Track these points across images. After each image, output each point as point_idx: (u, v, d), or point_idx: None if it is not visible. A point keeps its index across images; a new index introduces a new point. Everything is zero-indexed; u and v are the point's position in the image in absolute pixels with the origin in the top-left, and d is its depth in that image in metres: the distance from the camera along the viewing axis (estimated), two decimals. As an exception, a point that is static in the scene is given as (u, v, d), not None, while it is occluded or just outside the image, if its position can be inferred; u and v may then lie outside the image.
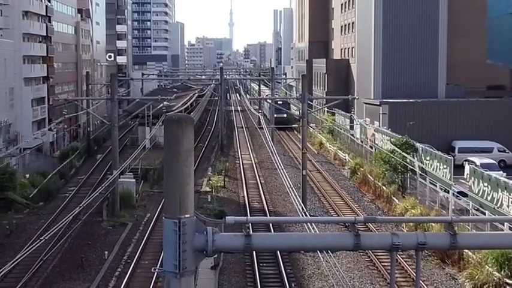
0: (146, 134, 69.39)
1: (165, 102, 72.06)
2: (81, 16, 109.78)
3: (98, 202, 47.42)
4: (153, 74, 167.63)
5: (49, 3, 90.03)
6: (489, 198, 39.29)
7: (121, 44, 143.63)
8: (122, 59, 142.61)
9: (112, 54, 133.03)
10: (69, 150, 75.62)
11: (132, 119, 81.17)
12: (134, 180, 55.23)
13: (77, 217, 42.75)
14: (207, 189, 58.30)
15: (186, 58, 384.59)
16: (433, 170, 48.79)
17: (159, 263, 36.34)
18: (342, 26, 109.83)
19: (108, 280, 36.60)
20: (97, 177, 63.19)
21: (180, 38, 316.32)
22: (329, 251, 30.89)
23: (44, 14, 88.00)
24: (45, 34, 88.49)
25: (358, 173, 61.54)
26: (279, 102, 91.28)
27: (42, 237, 26.50)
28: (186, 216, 9.81)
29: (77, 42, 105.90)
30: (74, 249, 41.97)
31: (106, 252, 40.78)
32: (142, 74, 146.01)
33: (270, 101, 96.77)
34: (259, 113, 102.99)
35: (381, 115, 74.46)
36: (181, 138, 9.78)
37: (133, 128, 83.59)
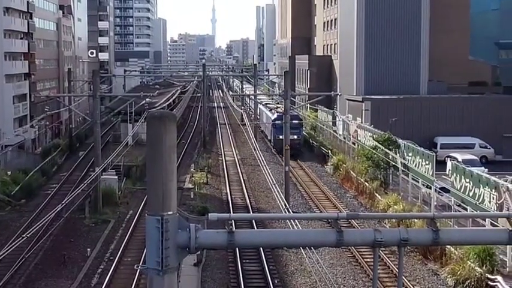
0: (129, 131, 69.15)
1: (147, 99, 71.91)
2: (63, 12, 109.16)
3: (80, 199, 47.23)
4: (135, 71, 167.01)
5: (30, 0, 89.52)
6: (471, 194, 39.46)
7: (103, 40, 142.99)
8: (103, 56, 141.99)
9: (94, 51, 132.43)
10: (51, 147, 75.24)
11: (115, 115, 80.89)
12: (117, 177, 55.04)
13: (59, 214, 42.50)
14: (190, 185, 58.22)
15: (169, 55, 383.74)
16: (415, 166, 48.95)
17: (142, 260, 36.24)
18: (324, 23, 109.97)
19: (90, 277, 36.49)
20: (79, 174, 62.94)
21: (163, 34, 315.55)
22: (312, 247, 30.95)
23: (26, 10, 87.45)
24: (26, 31, 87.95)
25: (341, 170, 61.65)
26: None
27: (24, 235, 26.43)
28: (169, 213, 9.79)
29: (58, 39, 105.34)
30: (56, 246, 41.79)
31: (88, 250, 40.65)
32: (125, 71, 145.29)
33: (270, 112, 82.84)
34: (241, 109, 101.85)
35: (363, 111, 74.64)
36: (164, 135, 9.76)
37: (115, 125, 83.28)
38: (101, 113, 61.13)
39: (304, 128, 79.99)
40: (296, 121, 70.09)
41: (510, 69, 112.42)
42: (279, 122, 67.14)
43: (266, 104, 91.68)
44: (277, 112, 76.06)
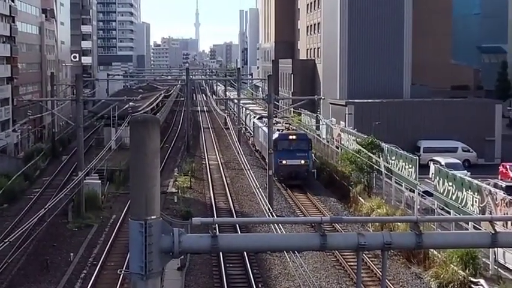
0: (112, 135, 69.00)
1: (130, 103, 71.76)
2: (46, 16, 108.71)
3: (63, 204, 46.97)
4: (118, 75, 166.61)
5: (13, 3, 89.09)
6: (454, 197, 39.62)
7: (86, 44, 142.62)
8: (87, 60, 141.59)
9: (77, 55, 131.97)
10: (33, 152, 74.88)
11: (98, 120, 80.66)
12: (100, 181, 54.86)
13: (42, 219, 42.27)
14: (174, 190, 58.10)
15: (152, 58, 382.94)
16: (398, 169, 49.08)
17: (125, 265, 36.12)
18: (307, 27, 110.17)
19: (73, 282, 36.33)
20: (62, 179, 62.65)
21: (146, 38, 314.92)
22: (296, 251, 30.95)
23: (8, 14, 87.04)
24: (9, 34, 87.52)
25: (325, 173, 61.69)
26: (289, 136, 60.41)
27: (6, 240, 26.27)
28: (152, 217, 9.77)
29: (41, 43, 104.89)
30: (39, 251, 41.59)
31: (71, 254, 40.45)
32: (108, 75, 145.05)
33: (264, 127, 64.96)
34: (225, 113, 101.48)
35: (346, 115, 74.77)
36: (147, 139, 9.73)
37: (98, 129, 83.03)
38: (84, 117, 60.94)
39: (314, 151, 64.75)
40: (303, 140, 60.20)
41: (492, 73, 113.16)
42: (284, 141, 58.95)
43: (262, 117, 69.89)
44: (278, 130, 61.60)
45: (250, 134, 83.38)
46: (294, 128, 69.07)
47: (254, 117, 79.03)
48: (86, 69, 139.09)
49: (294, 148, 59.12)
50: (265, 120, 63.01)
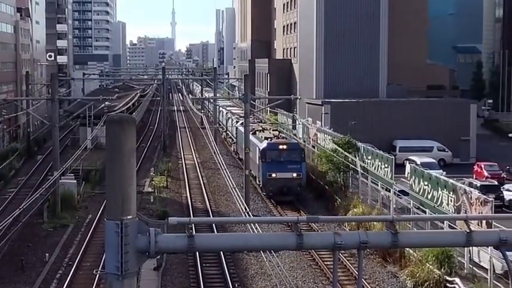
0: (87, 135, 68.69)
1: (106, 103, 71.53)
2: (21, 15, 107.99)
3: (39, 204, 46.71)
4: (94, 74, 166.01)
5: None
6: (429, 196, 39.82)
7: (61, 43, 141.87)
8: (62, 59, 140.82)
9: (52, 54, 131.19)
10: (8, 151, 74.36)
11: (73, 119, 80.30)
12: (75, 181, 54.61)
13: (17, 219, 42.09)
14: (150, 189, 57.95)
15: (128, 58, 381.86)
16: (374, 169, 49.25)
17: (101, 265, 35.98)
18: (284, 26, 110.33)
19: (49, 283, 36.12)
20: (37, 179, 62.30)
21: (122, 37, 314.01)
22: (272, 251, 30.98)
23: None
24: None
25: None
26: (279, 146, 53.96)
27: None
28: (128, 217, 9.72)
29: (16, 42, 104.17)
30: (14, 251, 41.32)
31: (47, 255, 40.22)
32: (84, 74, 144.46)
33: (258, 139, 58.43)
34: (201, 113, 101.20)
35: (323, 115, 74.96)
36: (123, 138, 9.69)
37: (74, 129, 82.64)
38: (60, 116, 60.66)
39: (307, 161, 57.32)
40: (295, 150, 53.96)
41: (467, 73, 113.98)
42: (273, 151, 53.17)
43: (255, 130, 62.73)
44: (266, 139, 56.79)
45: (232, 140, 78.87)
46: (284, 135, 63.60)
47: (237, 122, 72.71)
48: (62, 69, 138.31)
49: (284, 159, 52.56)
50: (259, 134, 60.49)
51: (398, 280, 35.33)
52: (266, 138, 56.89)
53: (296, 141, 59.88)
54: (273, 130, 65.26)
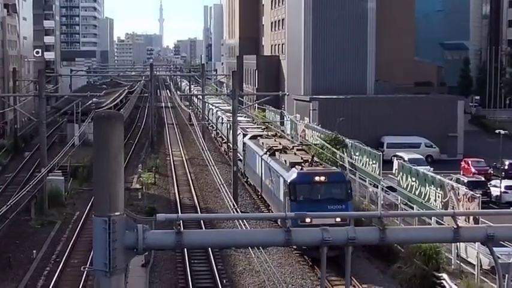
0: (75, 131, 68.48)
1: (94, 99, 71.29)
2: (8, 11, 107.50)
3: (26, 200, 46.62)
4: (81, 70, 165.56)
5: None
6: (417, 192, 39.96)
7: (49, 39, 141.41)
8: (49, 55, 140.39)
9: (39, 50, 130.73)
10: (-5, 148, 74.12)
11: (61, 115, 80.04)
12: (63, 178, 54.48)
13: (4, 216, 41.92)
14: (138, 186, 57.88)
15: (116, 54, 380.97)
16: (362, 165, 49.36)
17: (89, 262, 35.93)
18: (272, 23, 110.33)
19: (36, 280, 36.01)
20: (25, 175, 62.03)
21: (109, 33, 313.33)
22: (260, 247, 30.98)
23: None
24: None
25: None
26: (316, 177, 37.85)
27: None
28: (116, 214, 9.71)
29: (3, 38, 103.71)
30: (1, 248, 41.15)
31: (34, 252, 40.10)
32: (71, 70, 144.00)
33: (280, 165, 43.04)
34: (189, 109, 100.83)
35: (311, 111, 75.05)
36: (111, 135, 9.67)
37: (61, 125, 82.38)
38: (47, 113, 60.43)
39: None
40: (338, 183, 38.12)
41: (455, 70, 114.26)
42: (306, 185, 38.02)
43: (274, 150, 47.29)
44: (294, 165, 40.64)
45: (223, 138, 73.92)
46: (317, 160, 44.85)
47: (244, 135, 58.87)
48: (49, 65, 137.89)
49: (323, 197, 37.70)
50: (282, 156, 44.82)
51: (386, 276, 35.39)
52: (294, 165, 40.95)
53: (339, 171, 42.13)
54: (298, 150, 47.36)
